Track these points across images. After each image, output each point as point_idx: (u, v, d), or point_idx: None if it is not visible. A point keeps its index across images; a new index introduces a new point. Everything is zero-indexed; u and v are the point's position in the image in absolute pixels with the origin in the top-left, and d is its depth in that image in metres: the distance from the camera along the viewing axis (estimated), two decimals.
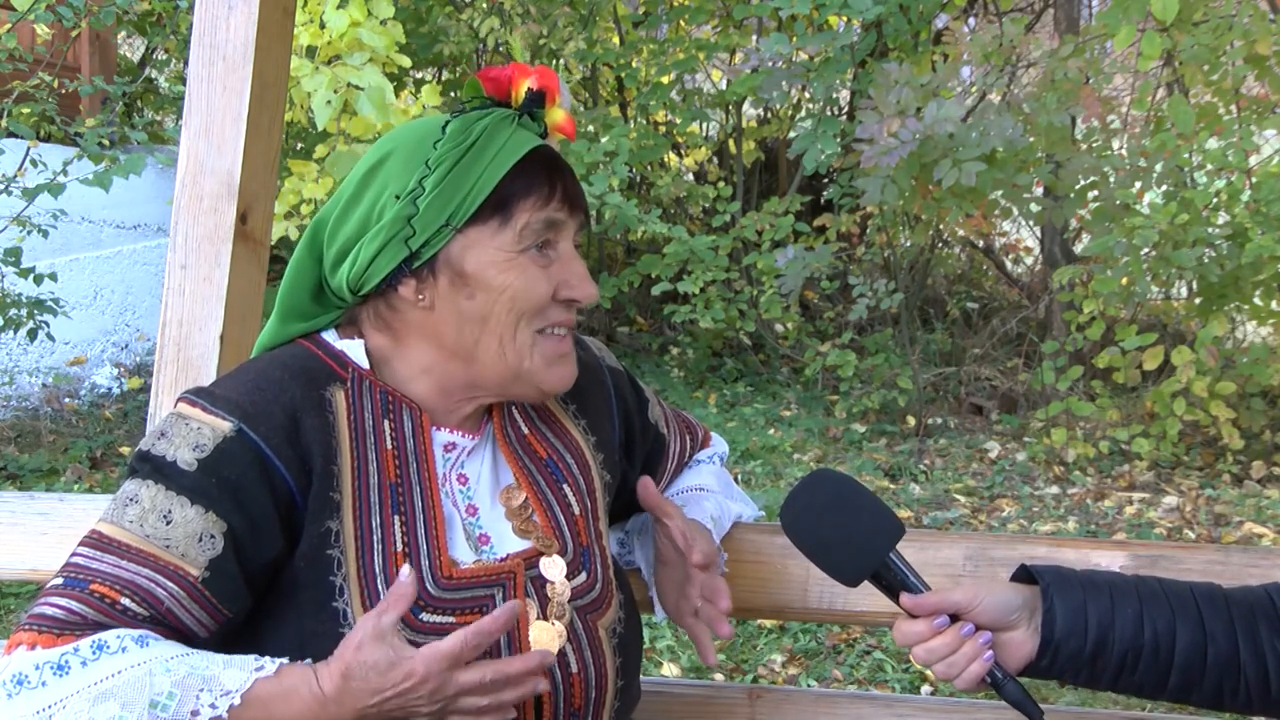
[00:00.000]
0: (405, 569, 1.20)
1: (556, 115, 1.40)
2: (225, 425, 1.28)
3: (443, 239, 1.33)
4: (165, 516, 1.24)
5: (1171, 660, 1.35)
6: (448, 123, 1.35)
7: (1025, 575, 1.43)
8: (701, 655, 1.53)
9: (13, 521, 1.77)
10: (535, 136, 1.38)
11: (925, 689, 3.76)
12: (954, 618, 1.36)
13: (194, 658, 1.18)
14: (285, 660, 1.19)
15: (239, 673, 1.16)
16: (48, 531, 1.74)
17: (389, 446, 1.36)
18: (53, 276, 5.64)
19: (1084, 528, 5.26)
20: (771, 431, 6.65)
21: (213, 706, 1.14)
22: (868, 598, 1.52)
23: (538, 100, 1.39)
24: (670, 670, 3.83)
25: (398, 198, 1.33)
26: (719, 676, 3.82)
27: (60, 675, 1.14)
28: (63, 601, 1.20)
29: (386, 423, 1.37)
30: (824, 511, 1.39)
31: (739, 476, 5.81)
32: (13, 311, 5.49)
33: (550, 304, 1.37)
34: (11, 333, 5.61)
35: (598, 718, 1.39)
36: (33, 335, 5.56)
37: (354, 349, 1.40)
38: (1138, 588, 1.39)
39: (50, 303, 5.59)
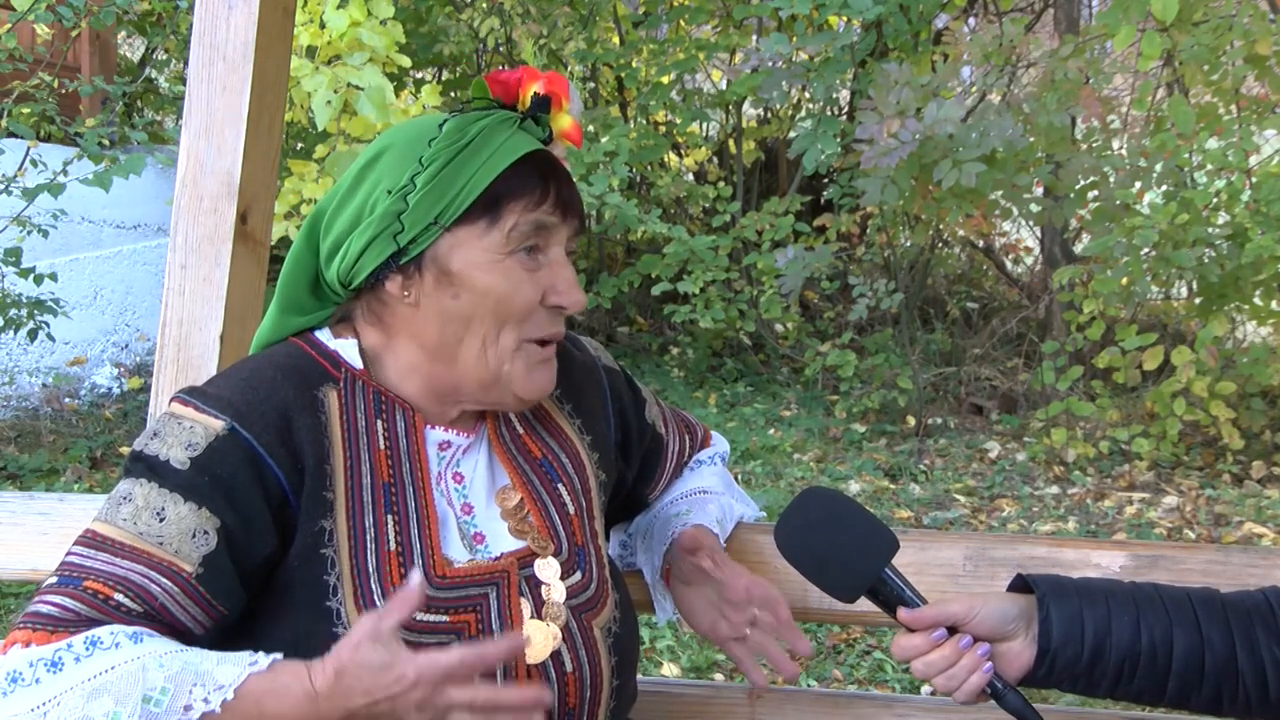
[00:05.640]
0: (415, 575, 1.19)
1: (563, 121, 1.39)
2: (218, 424, 1.29)
3: (430, 236, 1.33)
4: (158, 514, 1.25)
5: (1169, 667, 1.34)
6: (445, 121, 1.35)
7: (1021, 584, 1.43)
8: (750, 677, 1.52)
9: (13, 521, 1.77)
10: (535, 140, 1.37)
11: (925, 689, 3.76)
12: (952, 630, 1.36)
13: (188, 654, 1.18)
14: (279, 656, 1.19)
15: (232, 668, 1.16)
16: (48, 531, 1.74)
17: (381, 446, 1.36)
18: (53, 276, 5.63)
19: (1084, 528, 5.25)
20: (771, 431, 6.64)
21: (205, 701, 1.14)
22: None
23: (543, 105, 1.38)
24: (670, 670, 3.83)
25: (389, 193, 1.33)
26: (719, 676, 3.82)
27: (54, 672, 1.15)
28: (57, 599, 1.20)
29: (379, 423, 1.37)
30: (818, 529, 1.39)
31: (739, 476, 5.81)
32: (13, 311, 5.48)
33: (537, 310, 1.36)
34: (11, 333, 5.61)
35: (593, 717, 1.39)
36: (33, 335, 5.56)
37: (347, 349, 1.40)
38: (1134, 595, 1.38)
39: (50, 303, 5.58)
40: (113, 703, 1.13)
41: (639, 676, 1.56)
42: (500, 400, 1.41)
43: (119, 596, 1.21)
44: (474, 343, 1.35)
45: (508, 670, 1.33)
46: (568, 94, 1.39)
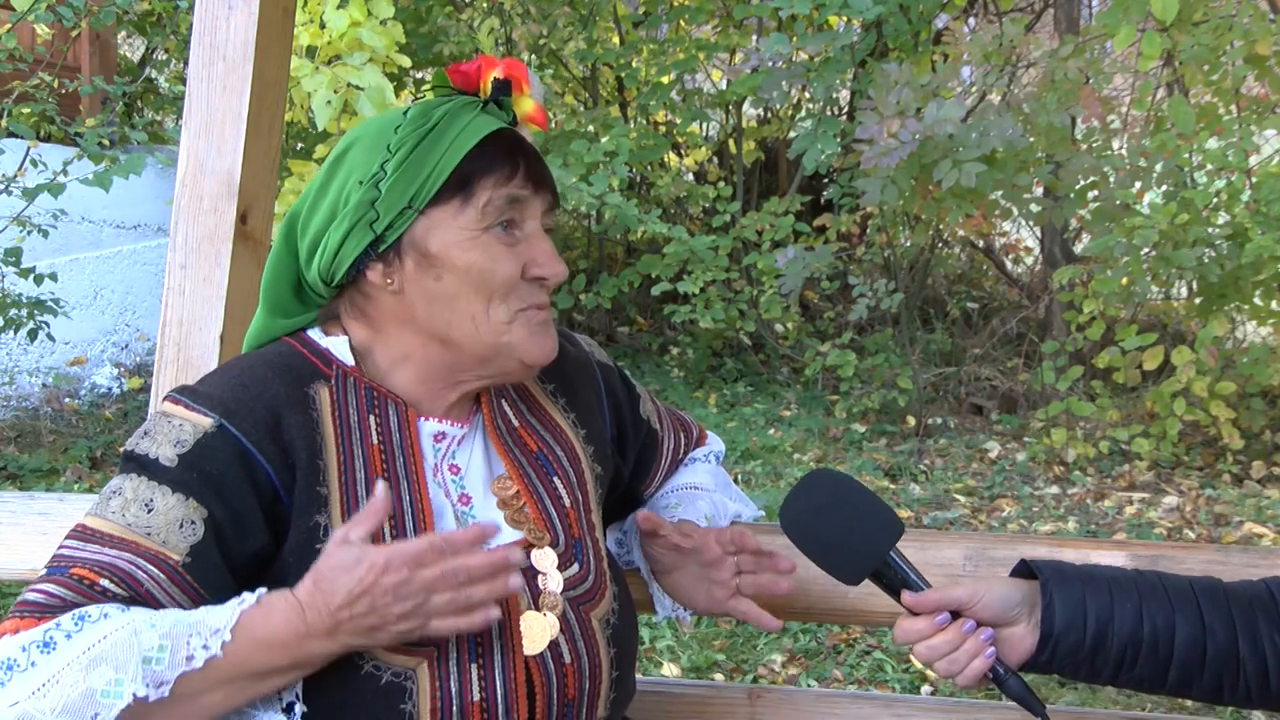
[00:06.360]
0: (381, 486, 1.23)
1: (525, 105, 1.41)
2: (206, 421, 1.30)
3: (406, 220, 1.34)
4: (146, 505, 1.26)
5: (1171, 655, 1.35)
6: (408, 110, 1.37)
7: (1025, 570, 1.43)
8: (762, 623, 1.55)
9: (13, 521, 1.77)
10: (500, 122, 1.39)
11: (925, 689, 3.76)
12: (955, 615, 1.37)
13: (176, 612, 1.20)
14: (264, 590, 1.22)
15: (222, 610, 1.19)
16: (48, 531, 1.74)
17: (375, 441, 1.37)
18: (53, 276, 5.64)
19: (1084, 528, 5.26)
20: (771, 431, 6.65)
21: (205, 647, 1.16)
22: (867, 598, 1.53)
23: (503, 89, 1.40)
24: (670, 670, 3.83)
25: (361, 183, 1.35)
26: (719, 676, 3.82)
27: (47, 652, 1.15)
28: (44, 586, 1.21)
29: (372, 418, 1.38)
30: (823, 511, 1.39)
31: (739, 476, 5.82)
32: (13, 311, 5.49)
33: (519, 283, 1.37)
34: (11, 333, 5.61)
35: (592, 709, 1.40)
36: (33, 335, 5.56)
37: (338, 346, 1.41)
38: (1137, 582, 1.39)
39: (50, 303, 5.59)
40: (112, 670, 1.13)
41: (638, 676, 1.56)
42: (504, 369, 1.41)
43: (104, 582, 1.21)
44: (464, 321, 1.36)
45: (505, 662, 1.33)
46: (527, 78, 1.41)
